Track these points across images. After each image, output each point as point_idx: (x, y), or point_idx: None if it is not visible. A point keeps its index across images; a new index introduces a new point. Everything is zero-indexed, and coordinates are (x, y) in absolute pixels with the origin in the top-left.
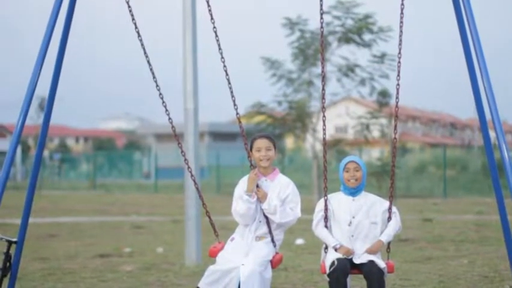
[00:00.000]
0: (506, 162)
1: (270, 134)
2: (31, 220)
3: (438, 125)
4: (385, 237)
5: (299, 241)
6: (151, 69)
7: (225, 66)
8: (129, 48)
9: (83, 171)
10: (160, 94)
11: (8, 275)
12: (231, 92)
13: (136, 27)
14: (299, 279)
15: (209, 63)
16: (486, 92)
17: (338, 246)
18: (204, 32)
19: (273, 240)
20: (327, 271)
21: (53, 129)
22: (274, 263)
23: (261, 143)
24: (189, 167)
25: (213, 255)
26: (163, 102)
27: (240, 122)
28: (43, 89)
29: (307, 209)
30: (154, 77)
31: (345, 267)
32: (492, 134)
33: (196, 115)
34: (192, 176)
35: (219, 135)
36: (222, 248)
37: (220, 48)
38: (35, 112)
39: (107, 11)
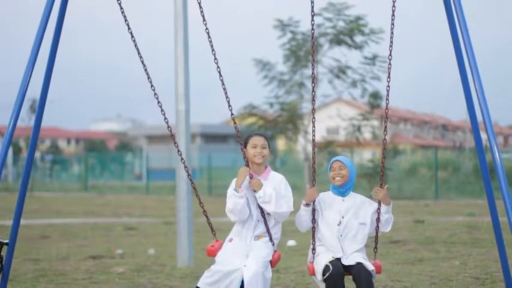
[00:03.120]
0: (497, 164)
1: (264, 132)
2: (22, 221)
3: (430, 126)
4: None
5: (291, 243)
6: (145, 70)
7: (218, 67)
8: (122, 49)
9: (75, 172)
10: (155, 94)
11: (0, 276)
12: (225, 93)
13: (129, 28)
14: (291, 280)
15: (201, 65)
16: (477, 93)
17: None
18: (196, 34)
19: (271, 239)
20: (319, 276)
21: (45, 131)
22: (274, 262)
23: (257, 140)
24: (186, 167)
25: (211, 254)
26: (158, 102)
27: (235, 122)
28: (34, 90)
29: (299, 210)
30: (149, 78)
31: (340, 270)
32: (483, 135)
33: (188, 116)
34: (188, 175)
35: (211, 137)
36: (219, 247)
37: (213, 50)
38: (27, 114)
39: (99, 12)
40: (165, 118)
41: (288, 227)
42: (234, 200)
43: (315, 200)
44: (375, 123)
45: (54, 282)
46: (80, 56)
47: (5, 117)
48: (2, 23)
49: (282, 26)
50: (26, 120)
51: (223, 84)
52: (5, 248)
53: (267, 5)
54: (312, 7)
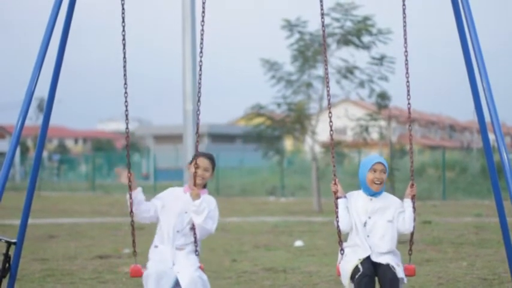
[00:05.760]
0: (505, 164)
1: (212, 155)
2: (30, 221)
3: (437, 127)
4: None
5: (298, 243)
6: (124, 76)
7: (201, 61)
8: (128, 49)
9: (82, 172)
10: (125, 101)
11: (7, 276)
12: (199, 98)
13: (123, 31)
14: (298, 281)
15: (209, 65)
16: (485, 93)
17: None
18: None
19: (196, 250)
20: (345, 280)
21: (52, 130)
22: None
23: (202, 162)
24: (130, 169)
25: (138, 275)
26: (126, 110)
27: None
28: (42, 90)
29: (307, 211)
30: (125, 84)
31: (372, 273)
32: (491, 136)
33: (196, 116)
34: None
35: (218, 137)
36: (141, 268)
37: (201, 52)
38: (34, 113)
39: (106, 12)
40: (127, 128)
41: (296, 227)
42: (130, 202)
43: (337, 193)
44: (383, 123)
45: (61, 282)
46: (87, 55)
47: (13, 116)
48: (10, 22)
49: (290, 26)
50: (34, 119)
51: (200, 83)
52: (12, 248)
53: (275, 5)
54: (321, 5)
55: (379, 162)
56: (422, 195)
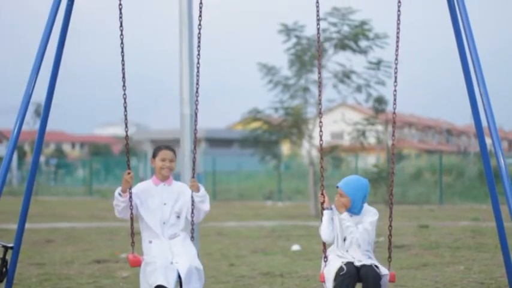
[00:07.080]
0: (502, 168)
1: (172, 145)
2: (27, 225)
3: (434, 131)
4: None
5: (295, 247)
6: (123, 78)
7: (198, 63)
8: (126, 54)
9: (79, 176)
10: (125, 111)
11: (4, 281)
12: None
13: (121, 34)
14: (295, 285)
15: (206, 70)
16: (482, 98)
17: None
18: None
19: (192, 236)
20: (329, 283)
21: (49, 135)
22: None
23: (167, 155)
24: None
25: (137, 264)
26: (125, 110)
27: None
28: (39, 94)
29: (304, 215)
30: (124, 86)
31: (354, 274)
32: (488, 140)
33: (193, 121)
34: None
35: (216, 141)
36: (139, 257)
37: (198, 54)
38: (31, 118)
39: (104, 16)
40: (126, 132)
41: (293, 231)
42: (116, 202)
43: (324, 203)
44: (380, 128)
45: (58, 286)
46: (84, 59)
47: (11, 121)
48: (8, 26)
49: (287, 30)
50: (31, 124)
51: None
52: (9, 252)
53: (272, 9)
54: (318, 9)
55: (338, 187)
56: (419, 200)
